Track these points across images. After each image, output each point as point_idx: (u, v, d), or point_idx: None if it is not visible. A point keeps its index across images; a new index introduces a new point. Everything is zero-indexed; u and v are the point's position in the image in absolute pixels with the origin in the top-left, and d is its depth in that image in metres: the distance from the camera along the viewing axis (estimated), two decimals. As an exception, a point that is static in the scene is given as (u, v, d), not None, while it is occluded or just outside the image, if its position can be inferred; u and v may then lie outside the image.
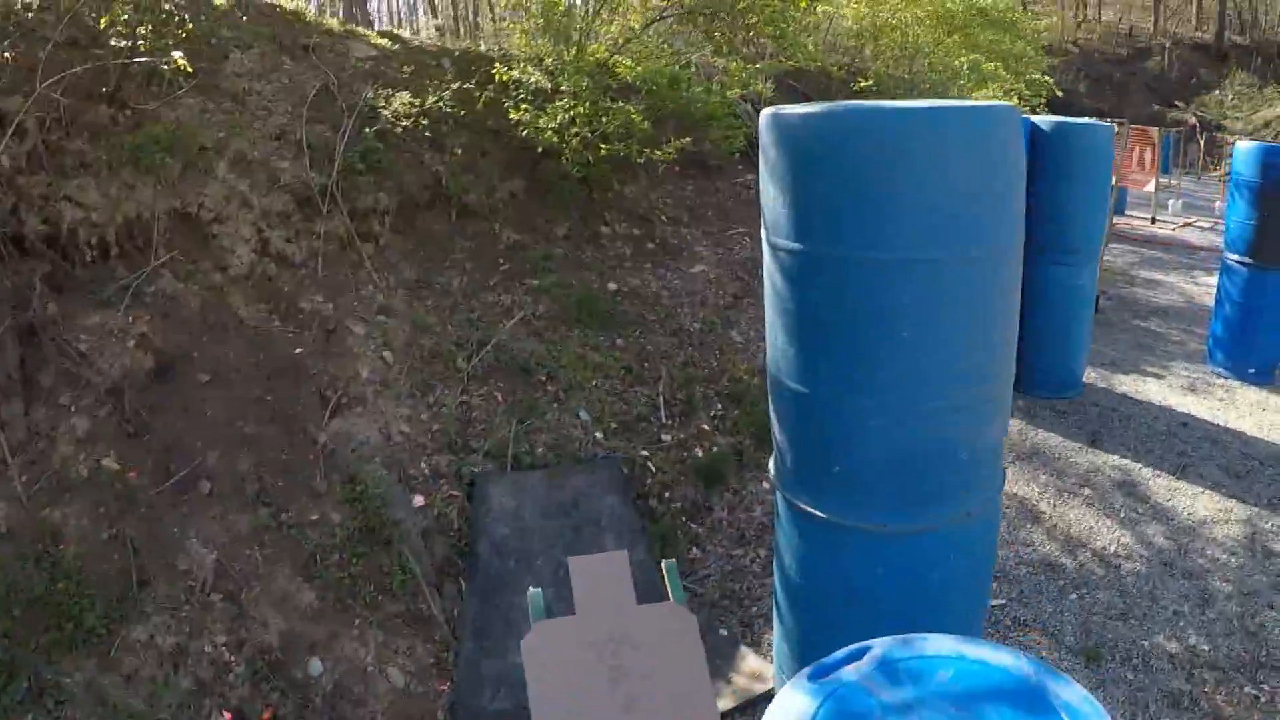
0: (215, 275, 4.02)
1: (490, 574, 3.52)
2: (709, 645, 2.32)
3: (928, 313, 2.18)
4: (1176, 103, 26.15)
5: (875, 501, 2.35)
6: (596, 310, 5.13)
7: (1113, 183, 13.02)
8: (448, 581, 3.55)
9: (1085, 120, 6.92)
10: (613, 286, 5.48)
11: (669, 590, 2.25)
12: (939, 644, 1.31)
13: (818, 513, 2.43)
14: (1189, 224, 13.43)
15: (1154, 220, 13.30)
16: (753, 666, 3.35)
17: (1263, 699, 3.13)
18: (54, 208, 3.62)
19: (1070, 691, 1.18)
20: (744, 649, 3.45)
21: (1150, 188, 13.38)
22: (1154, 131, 13.94)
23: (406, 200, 5.01)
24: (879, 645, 1.31)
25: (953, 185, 2.12)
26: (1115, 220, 11.98)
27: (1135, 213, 13.41)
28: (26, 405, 3.15)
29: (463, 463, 3.93)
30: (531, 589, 2.22)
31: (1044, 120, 5.85)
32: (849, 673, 1.27)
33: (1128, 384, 6.09)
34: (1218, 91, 28.15)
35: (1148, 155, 13.39)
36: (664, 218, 6.42)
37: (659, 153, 5.72)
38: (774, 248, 2.38)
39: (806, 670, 1.29)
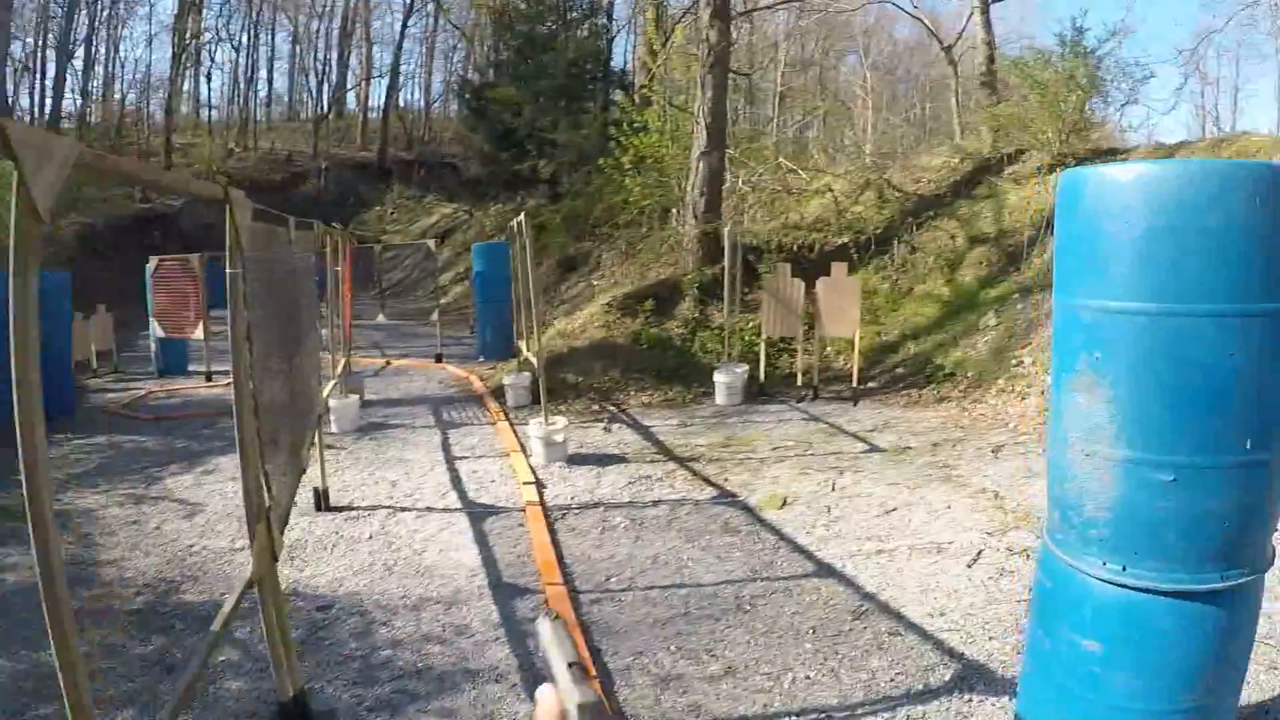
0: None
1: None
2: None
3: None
4: (334, 223, 28.37)
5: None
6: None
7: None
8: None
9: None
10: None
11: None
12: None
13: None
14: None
15: (210, 377, 9.96)
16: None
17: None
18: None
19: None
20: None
21: (199, 334, 10.20)
22: (195, 259, 10.32)
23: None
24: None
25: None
26: (154, 388, 9.72)
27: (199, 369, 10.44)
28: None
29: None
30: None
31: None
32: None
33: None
34: (379, 207, 31.06)
35: (190, 291, 10.23)
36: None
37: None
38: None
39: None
